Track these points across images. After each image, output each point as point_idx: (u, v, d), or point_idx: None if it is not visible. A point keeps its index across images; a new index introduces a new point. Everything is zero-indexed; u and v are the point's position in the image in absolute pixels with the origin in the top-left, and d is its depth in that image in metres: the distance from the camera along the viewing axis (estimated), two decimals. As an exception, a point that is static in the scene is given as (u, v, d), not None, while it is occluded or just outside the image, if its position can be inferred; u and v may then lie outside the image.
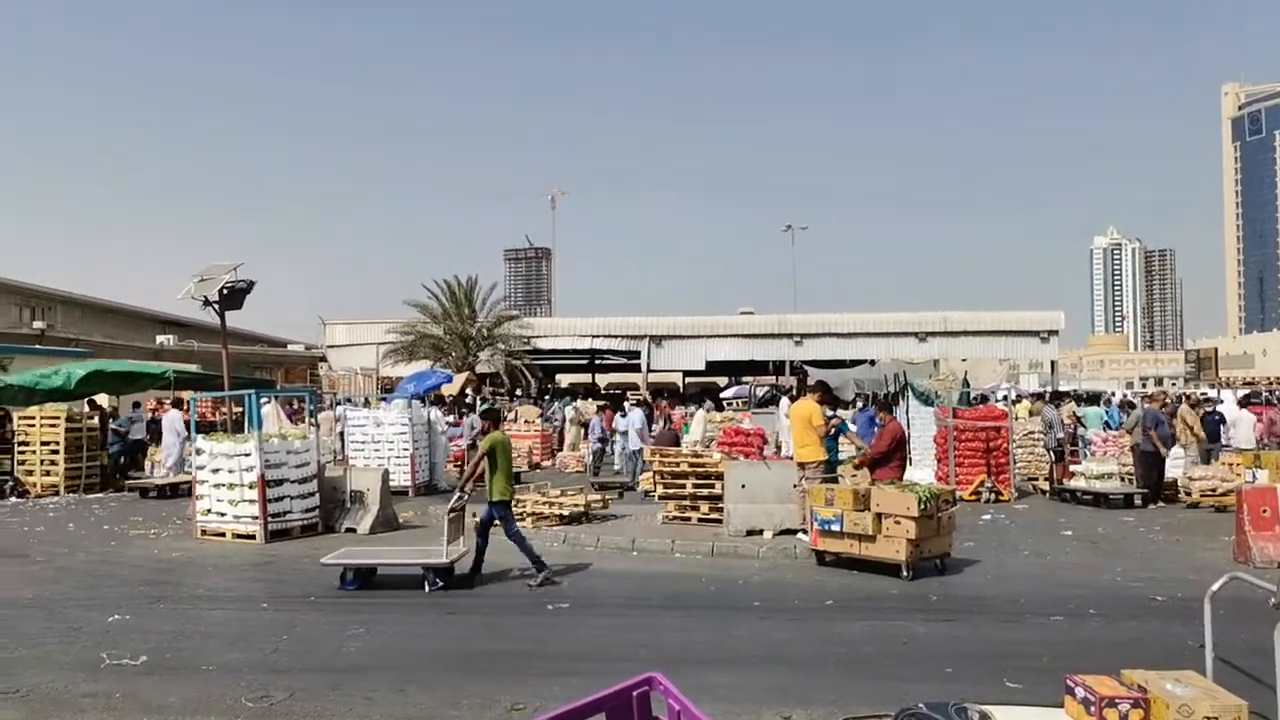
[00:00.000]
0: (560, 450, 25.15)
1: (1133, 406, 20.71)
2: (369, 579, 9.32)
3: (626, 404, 28.43)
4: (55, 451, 18.08)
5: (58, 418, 18.26)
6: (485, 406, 12.41)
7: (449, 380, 31.81)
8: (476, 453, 10.32)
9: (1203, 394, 27.54)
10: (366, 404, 22.26)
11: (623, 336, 47.17)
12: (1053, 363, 49.12)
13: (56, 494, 17.79)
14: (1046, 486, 17.14)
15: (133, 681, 6.21)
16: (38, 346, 29.75)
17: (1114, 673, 3.72)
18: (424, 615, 8.28)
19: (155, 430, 20.29)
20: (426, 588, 9.03)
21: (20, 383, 18.67)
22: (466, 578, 9.40)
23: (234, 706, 5.69)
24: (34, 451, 18.11)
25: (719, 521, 12.22)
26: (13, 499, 17.26)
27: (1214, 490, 16.08)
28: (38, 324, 36.33)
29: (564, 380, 57.98)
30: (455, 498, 9.73)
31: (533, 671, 6.42)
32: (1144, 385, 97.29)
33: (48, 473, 18.06)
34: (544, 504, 13.09)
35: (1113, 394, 40.54)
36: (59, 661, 6.70)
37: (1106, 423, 22.64)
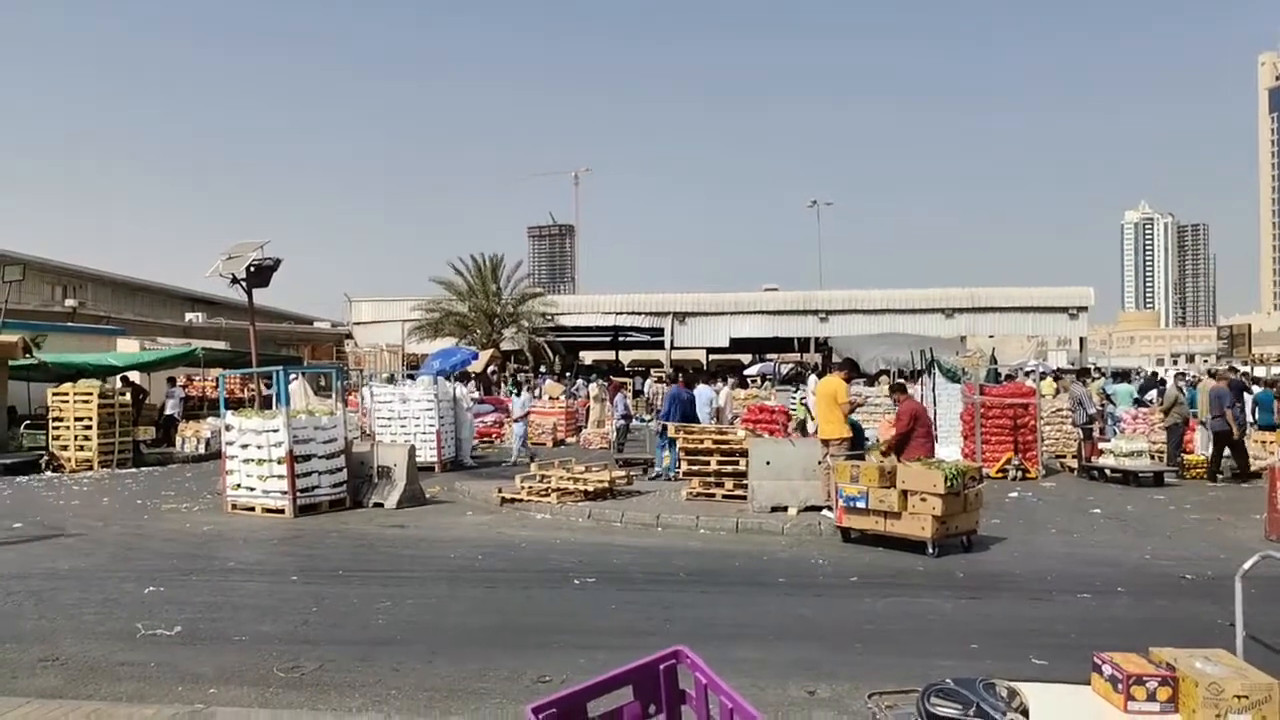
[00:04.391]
0: (584, 427, 25.24)
1: (1164, 384, 20.40)
2: None
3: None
4: (89, 427, 18.36)
5: (90, 394, 18.52)
6: None
7: (475, 357, 31.98)
8: None
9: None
10: (391, 380, 22.43)
11: (646, 314, 47.16)
12: (1081, 339, 48.58)
13: (90, 469, 18.09)
14: (1075, 464, 16.97)
15: (168, 651, 6.34)
16: (70, 324, 30.13)
17: (1142, 650, 3.68)
18: (449, 589, 8.36)
19: (189, 405, 20.57)
20: None
21: (59, 361, 18.99)
22: None
23: (266, 676, 5.79)
24: (68, 427, 18.41)
25: (743, 498, 12.22)
26: (48, 473, 17.59)
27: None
28: (69, 302, 36.83)
29: (588, 357, 58.11)
30: None
31: (559, 645, 6.47)
32: (1175, 362, 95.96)
33: (81, 448, 18.36)
34: (569, 480, 13.14)
35: (1154, 371, 39.97)
36: (96, 631, 6.84)
37: (1137, 400, 22.37)
